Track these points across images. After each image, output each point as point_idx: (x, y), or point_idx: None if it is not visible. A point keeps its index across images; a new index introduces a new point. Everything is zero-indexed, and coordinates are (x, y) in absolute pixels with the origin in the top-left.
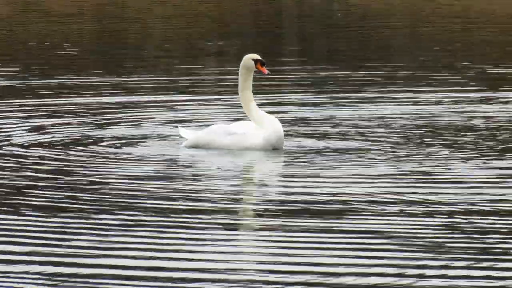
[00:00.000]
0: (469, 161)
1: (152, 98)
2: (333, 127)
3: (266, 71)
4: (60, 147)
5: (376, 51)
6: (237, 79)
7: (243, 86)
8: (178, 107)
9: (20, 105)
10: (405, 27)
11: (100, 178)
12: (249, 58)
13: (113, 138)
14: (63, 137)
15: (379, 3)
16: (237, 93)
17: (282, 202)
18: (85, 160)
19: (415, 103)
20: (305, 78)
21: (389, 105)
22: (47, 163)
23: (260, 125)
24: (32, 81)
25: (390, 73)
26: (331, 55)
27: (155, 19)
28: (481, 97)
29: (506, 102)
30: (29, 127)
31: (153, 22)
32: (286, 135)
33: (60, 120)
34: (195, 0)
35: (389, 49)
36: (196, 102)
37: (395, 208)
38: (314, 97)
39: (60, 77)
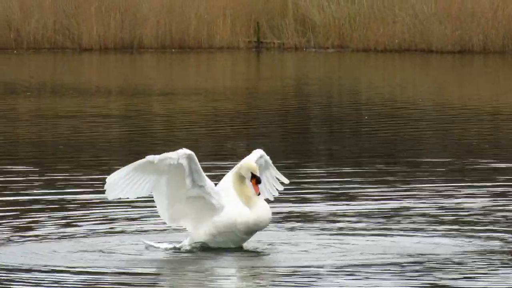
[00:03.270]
0: None
1: None
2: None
3: (258, 191)
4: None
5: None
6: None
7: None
8: None
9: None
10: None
11: None
12: (248, 169)
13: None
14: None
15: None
16: None
17: None
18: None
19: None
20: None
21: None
22: None
23: (249, 206)
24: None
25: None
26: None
27: (181, 118)
28: None
29: None
30: None
31: (179, 123)
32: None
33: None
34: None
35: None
36: None
37: None
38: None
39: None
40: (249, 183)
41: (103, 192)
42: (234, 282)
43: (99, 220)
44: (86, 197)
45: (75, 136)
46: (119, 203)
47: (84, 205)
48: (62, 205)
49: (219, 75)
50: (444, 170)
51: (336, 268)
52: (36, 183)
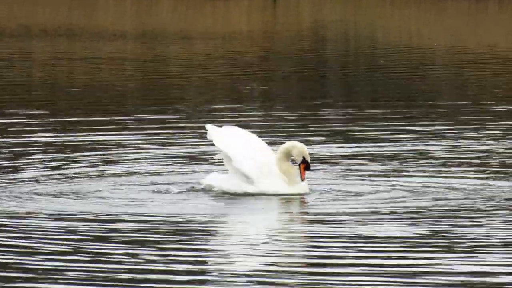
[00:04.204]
0: None
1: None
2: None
3: (304, 177)
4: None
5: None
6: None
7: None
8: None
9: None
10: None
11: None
12: (301, 153)
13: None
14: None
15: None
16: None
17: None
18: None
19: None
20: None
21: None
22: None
23: (289, 178)
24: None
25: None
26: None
27: (197, 61)
28: None
29: None
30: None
31: (195, 65)
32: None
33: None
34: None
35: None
36: None
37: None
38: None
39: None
40: (296, 167)
41: (118, 134)
42: (261, 227)
43: (101, 162)
44: (101, 139)
45: (91, 80)
46: (123, 146)
47: (98, 147)
48: (78, 147)
49: (235, 19)
50: (460, 113)
51: (352, 214)
52: (49, 127)
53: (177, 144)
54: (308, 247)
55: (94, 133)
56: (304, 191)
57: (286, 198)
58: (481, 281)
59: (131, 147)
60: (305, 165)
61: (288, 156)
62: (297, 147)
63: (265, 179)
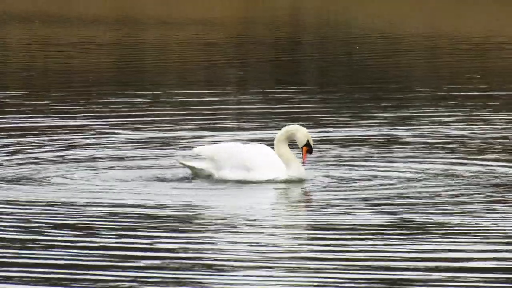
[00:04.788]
0: None
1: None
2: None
3: (305, 160)
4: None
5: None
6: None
7: (280, 141)
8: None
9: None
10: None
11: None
12: (305, 136)
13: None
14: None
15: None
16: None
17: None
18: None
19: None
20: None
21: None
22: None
23: (287, 165)
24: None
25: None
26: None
27: (173, 45)
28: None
29: None
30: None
31: (171, 50)
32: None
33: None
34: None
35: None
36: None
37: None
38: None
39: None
40: (293, 152)
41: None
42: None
43: (64, 147)
44: (76, 123)
45: (67, 64)
46: (97, 133)
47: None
48: (44, 131)
49: (213, 5)
50: (434, 98)
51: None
52: (24, 108)
53: (149, 129)
54: (304, 234)
55: (62, 116)
56: (302, 176)
57: (283, 183)
58: (458, 266)
59: (102, 131)
60: (308, 148)
61: (288, 139)
62: (301, 130)
63: (263, 165)
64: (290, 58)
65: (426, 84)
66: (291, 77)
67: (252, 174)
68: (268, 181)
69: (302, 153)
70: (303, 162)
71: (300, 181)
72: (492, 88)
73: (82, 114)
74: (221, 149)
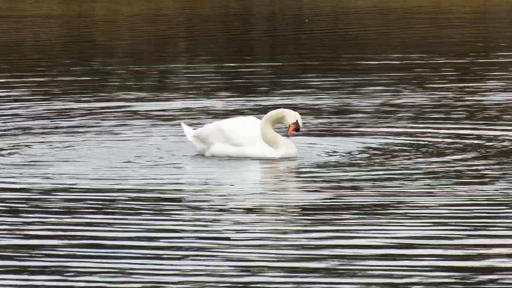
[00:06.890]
0: None
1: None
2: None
3: (291, 134)
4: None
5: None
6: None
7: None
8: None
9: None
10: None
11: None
12: (295, 116)
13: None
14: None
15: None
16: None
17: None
18: None
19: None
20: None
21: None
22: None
23: (274, 146)
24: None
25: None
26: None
27: (123, 19)
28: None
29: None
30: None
31: (121, 23)
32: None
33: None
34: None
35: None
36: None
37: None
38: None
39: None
40: (279, 134)
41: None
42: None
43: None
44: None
45: (16, 37)
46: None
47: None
48: None
49: None
50: (385, 69)
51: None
52: None
53: (100, 106)
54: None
55: (10, 92)
56: (292, 155)
57: (272, 162)
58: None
59: (49, 111)
60: (296, 126)
61: (275, 122)
62: (290, 113)
63: (253, 143)
64: (240, 32)
65: (374, 57)
66: (241, 50)
67: (242, 149)
68: (259, 158)
69: (289, 128)
70: (288, 135)
71: (291, 158)
72: (443, 57)
73: (30, 89)
74: (212, 127)
